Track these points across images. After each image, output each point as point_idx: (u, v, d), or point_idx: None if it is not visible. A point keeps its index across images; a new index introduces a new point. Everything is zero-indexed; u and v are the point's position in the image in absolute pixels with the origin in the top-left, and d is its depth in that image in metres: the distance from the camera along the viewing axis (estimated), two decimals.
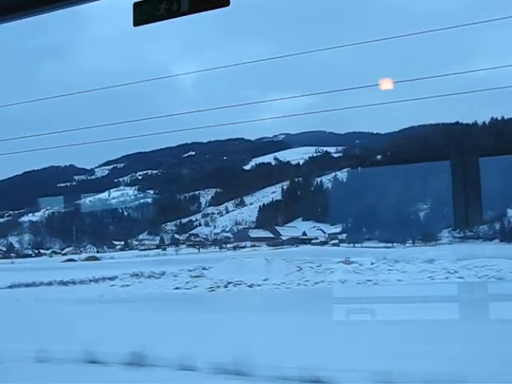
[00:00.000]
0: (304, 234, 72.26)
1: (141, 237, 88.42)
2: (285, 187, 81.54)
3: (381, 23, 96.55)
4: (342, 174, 77.28)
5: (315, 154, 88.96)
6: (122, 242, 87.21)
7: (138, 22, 4.38)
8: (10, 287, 50.20)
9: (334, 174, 77.66)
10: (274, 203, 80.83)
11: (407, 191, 64.46)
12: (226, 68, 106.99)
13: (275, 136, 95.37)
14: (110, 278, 51.83)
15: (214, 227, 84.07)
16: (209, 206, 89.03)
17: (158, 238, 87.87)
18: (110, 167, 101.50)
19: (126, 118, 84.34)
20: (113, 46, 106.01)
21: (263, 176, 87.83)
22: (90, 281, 52.22)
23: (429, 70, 76.28)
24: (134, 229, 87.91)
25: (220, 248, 74.78)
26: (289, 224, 75.70)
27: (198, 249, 75.57)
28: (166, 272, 51.59)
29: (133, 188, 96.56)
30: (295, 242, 69.41)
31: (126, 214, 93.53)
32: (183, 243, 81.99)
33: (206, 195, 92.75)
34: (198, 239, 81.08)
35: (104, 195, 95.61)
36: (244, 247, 72.77)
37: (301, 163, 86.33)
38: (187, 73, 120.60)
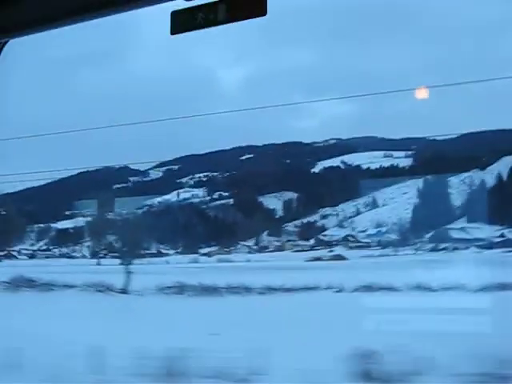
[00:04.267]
0: (502, 235, 62.22)
1: (265, 238, 75.77)
2: (420, 187, 74.40)
3: (431, 25, 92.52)
4: (477, 175, 72.35)
5: (385, 158, 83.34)
6: (251, 243, 74.02)
7: (175, 30, 4.23)
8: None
9: (467, 174, 73.19)
10: (420, 204, 73.17)
11: None
12: (271, 73, 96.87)
13: (326, 141, 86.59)
14: None
15: (353, 229, 74.32)
16: (323, 207, 78.50)
17: (281, 239, 75.73)
18: (164, 169, 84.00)
19: (176, 121, 74.28)
20: (161, 53, 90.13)
21: (343, 179, 79.97)
22: None
23: (485, 72, 75.99)
24: (250, 230, 74.89)
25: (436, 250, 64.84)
26: (452, 225, 69.33)
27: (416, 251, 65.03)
28: None
29: (201, 189, 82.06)
30: None
31: (212, 214, 79.02)
32: (336, 244, 71.48)
33: (282, 198, 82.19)
34: (364, 241, 70.92)
35: (172, 196, 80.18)
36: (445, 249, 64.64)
37: (401, 165, 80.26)
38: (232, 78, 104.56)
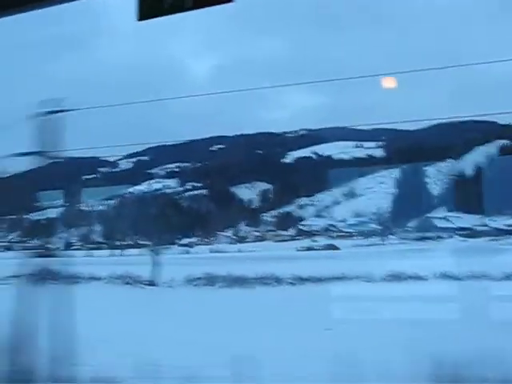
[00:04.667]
0: (485, 224, 60.09)
1: (243, 228, 73.07)
2: (396, 177, 72.65)
3: (400, 14, 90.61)
4: (452, 164, 69.89)
5: (357, 149, 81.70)
6: (228, 233, 71.33)
7: (142, 16, 4.05)
8: None
9: (443, 163, 72.12)
10: (398, 194, 71.46)
11: None
12: (239, 63, 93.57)
13: (296, 131, 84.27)
14: None
15: (332, 219, 72.04)
16: (299, 198, 76.21)
17: (259, 228, 73.11)
18: (134, 159, 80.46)
19: (143, 110, 72.69)
20: (126, 40, 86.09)
21: (317, 169, 77.75)
22: None
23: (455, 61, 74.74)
24: (226, 220, 72.15)
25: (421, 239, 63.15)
26: (432, 214, 68.08)
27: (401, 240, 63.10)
28: None
29: (173, 180, 78.80)
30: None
31: (186, 205, 75.76)
32: (318, 234, 69.19)
33: (257, 188, 79.77)
34: (346, 230, 68.75)
35: (144, 187, 76.69)
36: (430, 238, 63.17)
37: (373, 154, 78.42)
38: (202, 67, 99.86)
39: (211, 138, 79.61)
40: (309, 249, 56.31)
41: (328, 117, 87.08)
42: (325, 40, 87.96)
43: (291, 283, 35.36)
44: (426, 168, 71.41)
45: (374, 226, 66.40)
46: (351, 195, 71.83)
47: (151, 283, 33.42)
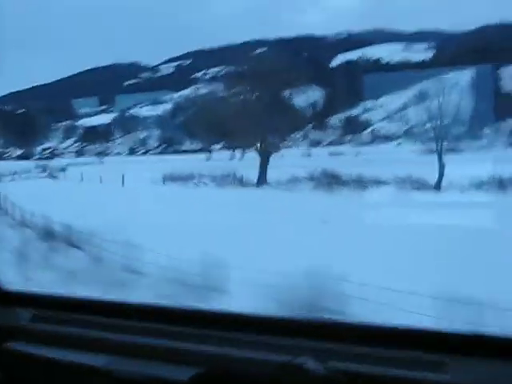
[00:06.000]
0: None
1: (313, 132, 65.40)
2: (465, 79, 65.87)
3: None
4: None
5: (408, 52, 74.33)
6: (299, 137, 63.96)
7: None
8: None
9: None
10: (474, 96, 64.37)
11: None
12: None
13: (338, 34, 75.81)
14: None
15: (406, 122, 64.90)
16: (362, 101, 68.44)
17: (331, 133, 65.58)
18: (175, 64, 71.83)
19: (180, 16, 67.10)
20: None
21: (373, 72, 69.80)
22: None
23: None
24: (291, 125, 64.42)
25: None
26: None
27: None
28: None
29: (215, 85, 69.80)
30: None
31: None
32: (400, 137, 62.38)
33: (312, 92, 71.31)
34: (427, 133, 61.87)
35: (189, 91, 68.29)
36: None
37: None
38: None
39: (251, 41, 71.34)
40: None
41: (368, 20, 78.33)
42: None
43: None
44: (496, 71, 64.99)
45: (458, 128, 59.71)
46: (421, 98, 64.22)
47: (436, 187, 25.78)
